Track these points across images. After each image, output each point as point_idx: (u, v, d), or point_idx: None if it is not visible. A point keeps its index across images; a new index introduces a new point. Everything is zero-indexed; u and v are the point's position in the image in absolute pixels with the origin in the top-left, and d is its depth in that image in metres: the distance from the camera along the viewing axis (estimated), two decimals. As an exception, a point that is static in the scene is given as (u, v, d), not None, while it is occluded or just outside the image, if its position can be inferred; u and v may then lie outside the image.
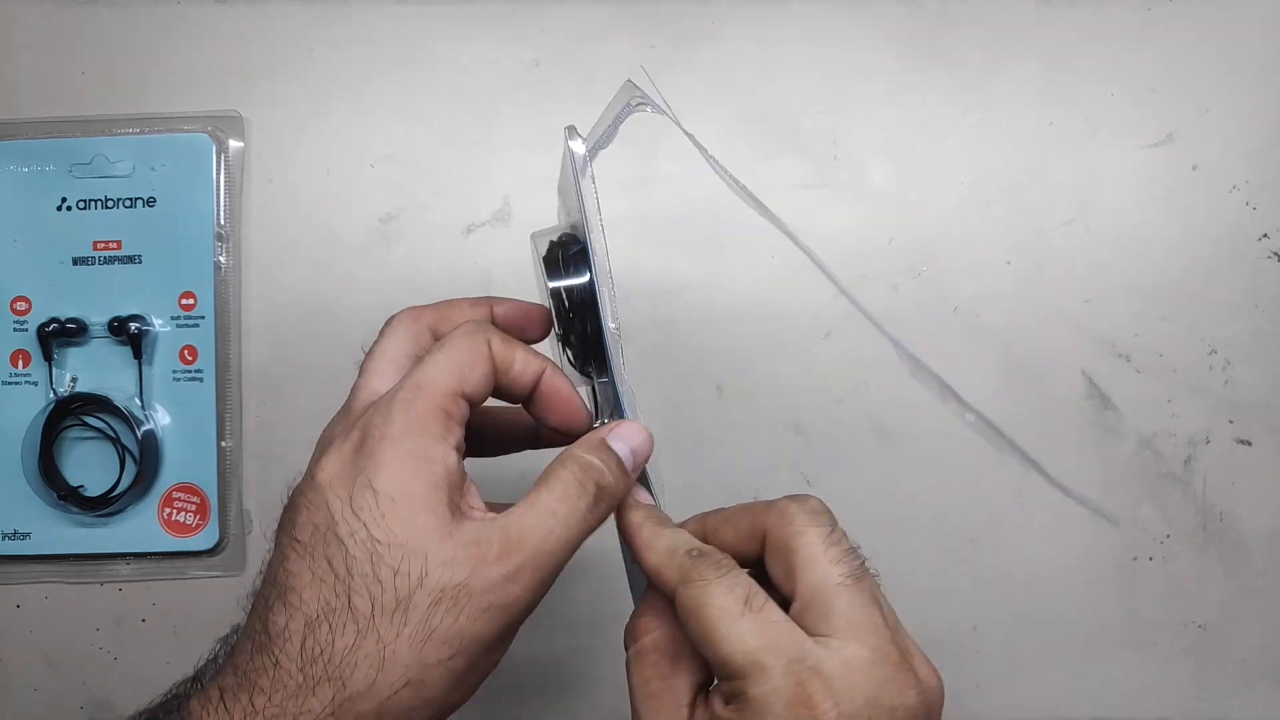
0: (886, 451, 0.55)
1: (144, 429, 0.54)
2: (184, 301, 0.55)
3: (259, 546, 0.55)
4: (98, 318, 0.54)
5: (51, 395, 0.54)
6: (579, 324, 0.37)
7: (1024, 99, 0.56)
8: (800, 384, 0.55)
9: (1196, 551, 0.55)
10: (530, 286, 0.56)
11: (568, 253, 0.37)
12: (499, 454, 0.42)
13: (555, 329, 0.38)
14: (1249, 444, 0.55)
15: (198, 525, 0.55)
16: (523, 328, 0.39)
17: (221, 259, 0.55)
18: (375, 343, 0.37)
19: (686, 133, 0.35)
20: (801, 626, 0.31)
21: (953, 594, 0.55)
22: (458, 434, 0.34)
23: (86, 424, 0.54)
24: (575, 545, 0.33)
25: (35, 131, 0.55)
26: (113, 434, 0.54)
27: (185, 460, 0.55)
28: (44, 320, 0.54)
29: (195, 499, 0.54)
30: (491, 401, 0.37)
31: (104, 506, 0.54)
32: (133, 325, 0.54)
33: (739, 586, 0.32)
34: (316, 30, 0.56)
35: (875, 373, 0.55)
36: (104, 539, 0.55)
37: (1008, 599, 0.55)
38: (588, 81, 0.56)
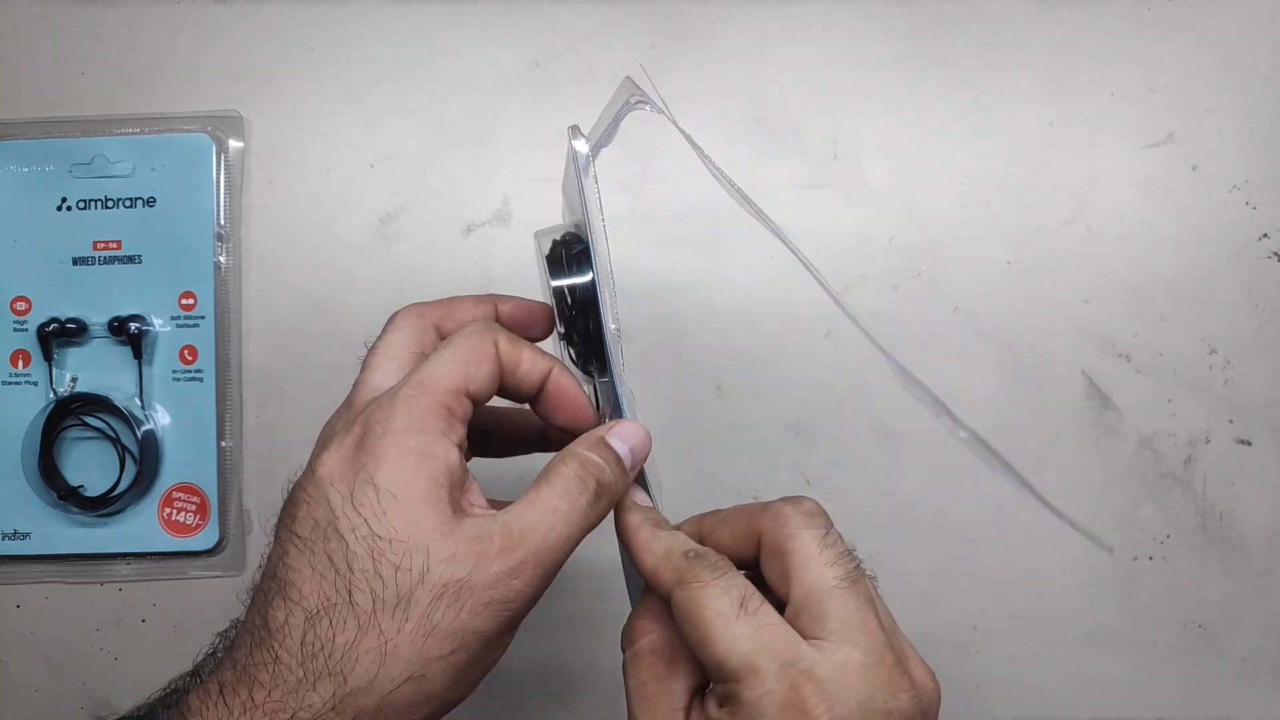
0: (886, 451, 0.55)
1: (144, 429, 0.54)
2: (184, 301, 0.55)
3: (259, 546, 0.55)
4: (98, 318, 0.54)
5: (51, 395, 0.54)
6: (581, 322, 0.37)
7: (1024, 99, 0.56)
8: (800, 384, 0.55)
9: (1196, 551, 0.55)
10: (532, 284, 0.56)
11: (571, 251, 0.37)
12: (505, 455, 0.42)
13: (558, 327, 0.38)
14: (1249, 444, 0.55)
15: (198, 525, 0.55)
16: (527, 325, 0.40)
17: (221, 259, 0.55)
18: (378, 338, 0.37)
19: (683, 133, 0.35)
20: (796, 629, 0.31)
21: (952, 594, 0.55)
22: (460, 431, 0.34)
23: (86, 424, 0.54)
24: (576, 542, 0.34)
25: (35, 131, 0.55)
26: (113, 434, 0.54)
27: (185, 460, 0.55)
28: (44, 320, 0.54)
29: (195, 499, 0.54)
30: (500, 402, 0.37)
31: (104, 506, 0.54)
32: (133, 325, 0.54)
33: (734, 589, 0.32)
34: (316, 30, 0.56)
35: (875, 373, 0.55)
36: (104, 539, 0.55)
37: (1008, 599, 0.55)
38: (588, 81, 0.56)
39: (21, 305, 0.55)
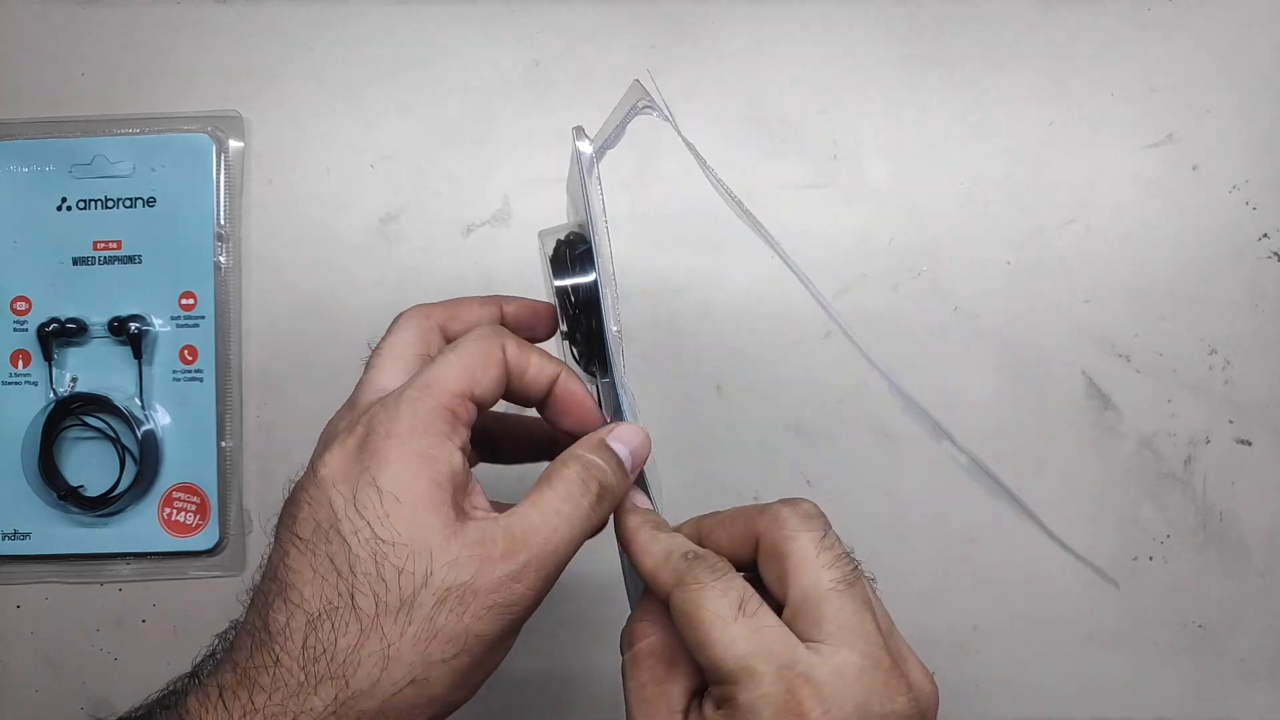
0: (886, 451, 0.55)
1: (144, 429, 0.54)
2: (184, 301, 0.55)
3: (259, 546, 0.55)
4: (98, 318, 0.54)
5: (51, 395, 0.54)
6: (584, 322, 0.37)
7: (1024, 99, 0.56)
8: (800, 384, 0.55)
9: (1196, 551, 0.55)
10: (533, 284, 0.56)
11: (575, 251, 0.37)
12: (514, 462, 0.42)
13: (561, 326, 0.38)
14: (1249, 444, 0.55)
15: (198, 525, 0.55)
16: (532, 326, 0.40)
17: (221, 259, 0.55)
18: (383, 338, 0.37)
19: (686, 141, 0.35)
20: (794, 631, 0.31)
21: (952, 594, 0.55)
22: (464, 435, 0.34)
23: (86, 424, 0.54)
24: (578, 544, 0.33)
25: (35, 131, 0.55)
26: (113, 434, 0.54)
27: (185, 460, 0.55)
28: (44, 320, 0.54)
29: (195, 499, 0.54)
30: (509, 407, 0.37)
31: (104, 506, 0.54)
32: (133, 325, 0.54)
33: (733, 591, 0.32)
34: (316, 30, 0.56)
35: (875, 373, 0.55)
36: (104, 539, 0.55)
37: (1008, 599, 0.55)
38: (588, 81, 0.56)
39: (21, 305, 0.55)
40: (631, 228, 0.55)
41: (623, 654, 0.35)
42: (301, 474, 0.34)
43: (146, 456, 0.54)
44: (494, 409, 0.36)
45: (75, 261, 0.55)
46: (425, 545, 0.31)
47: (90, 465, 0.54)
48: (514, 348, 0.35)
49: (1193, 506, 0.55)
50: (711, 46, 0.56)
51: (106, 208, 0.55)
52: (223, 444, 0.55)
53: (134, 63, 0.56)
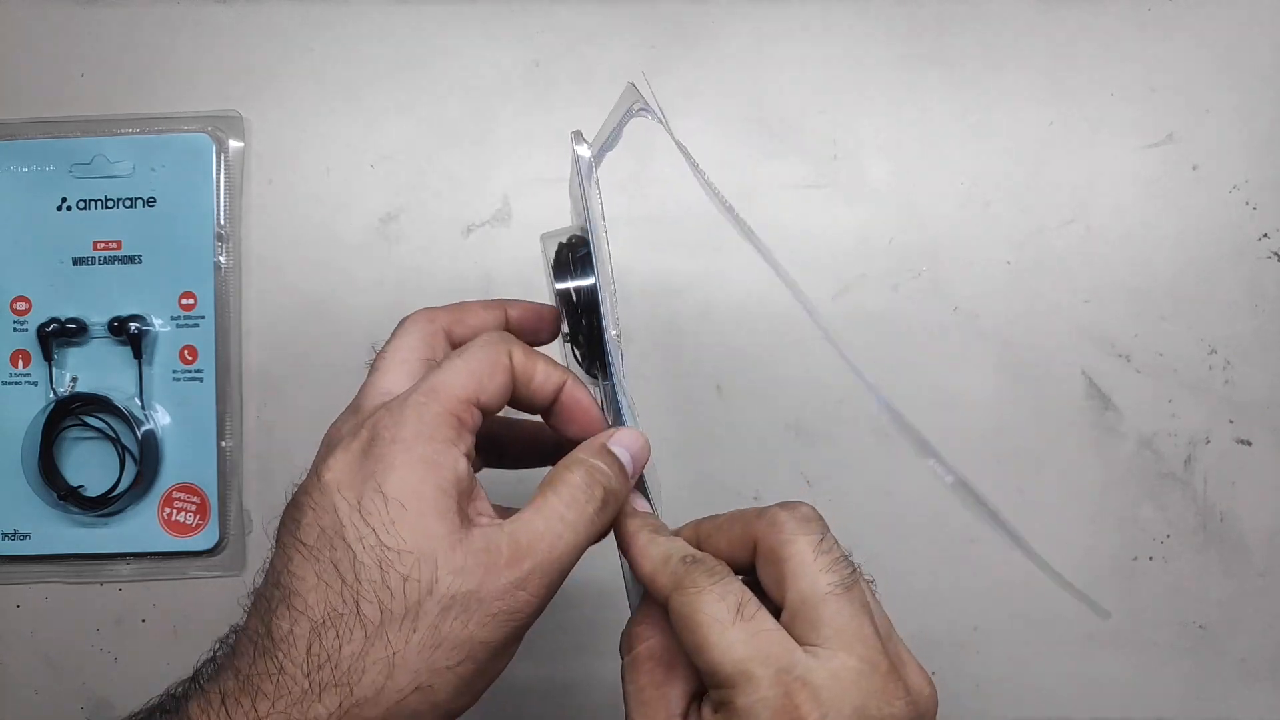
0: (886, 451, 0.55)
1: (144, 429, 0.54)
2: (184, 301, 0.55)
3: (259, 546, 0.55)
4: (98, 318, 0.54)
5: (51, 395, 0.54)
6: (586, 325, 0.37)
7: (1024, 99, 0.56)
8: (800, 384, 0.55)
9: (1196, 551, 0.55)
10: (532, 284, 0.56)
11: (576, 254, 0.37)
12: (519, 467, 0.42)
13: (563, 329, 0.38)
14: (1249, 444, 0.55)
15: (198, 525, 0.55)
16: (536, 329, 0.40)
17: (221, 259, 0.55)
18: (388, 342, 0.37)
19: (678, 143, 0.36)
20: (792, 635, 0.31)
21: (952, 594, 0.55)
22: (469, 441, 0.33)
23: (86, 424, 0.54)
24: (582, 550, 0.33)
25: (35, 131, 0.55)
26: (113, 434, 0.54)
27: (185, 460, 0.55)
28: (44, 320, 0.54)
29: (195, 499, 0.54)
30: (511, 411, 0.37)
31: (104, 506, 0.54)
32: (133, 325, 0.54)
33: (731, 594, 0.31)
34: (316, 30, 0.56)
35: (875, 373, 0.55)
36: (104, 539, 0.55)
37: (1008, 599, 0.55)
38: (588, 82, 0.56)
39: (21, 305, 0.55)
40: (631, 229, 0.55)
41: (622, 657, 0.35)
42: (304, 477, 0.34)
43: (146, 456, 0.54)
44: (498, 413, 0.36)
45: (75, 261, 0.55)
46: (431, 552, 0.31)
47: (90, 465, 0.54)
48: (520, 355, 0.35)
49: (1193, 506, 0.55)
50: (711, 46, 0.56)
51: (106, 208, 0.55)
52: (223, 444, 0.55)
53: (134, 63, 0.56)
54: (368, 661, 0.30)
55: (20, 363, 0.54)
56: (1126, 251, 0.55)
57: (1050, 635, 0.55)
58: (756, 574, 0.34)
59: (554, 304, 0.39)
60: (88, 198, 0.55)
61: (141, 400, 0.54)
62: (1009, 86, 0.56)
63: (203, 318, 0.55)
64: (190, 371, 0.55)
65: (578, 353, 0.38)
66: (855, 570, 0.32)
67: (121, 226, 0.55)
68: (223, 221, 0.55)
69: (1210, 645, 0.55)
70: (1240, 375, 0.55)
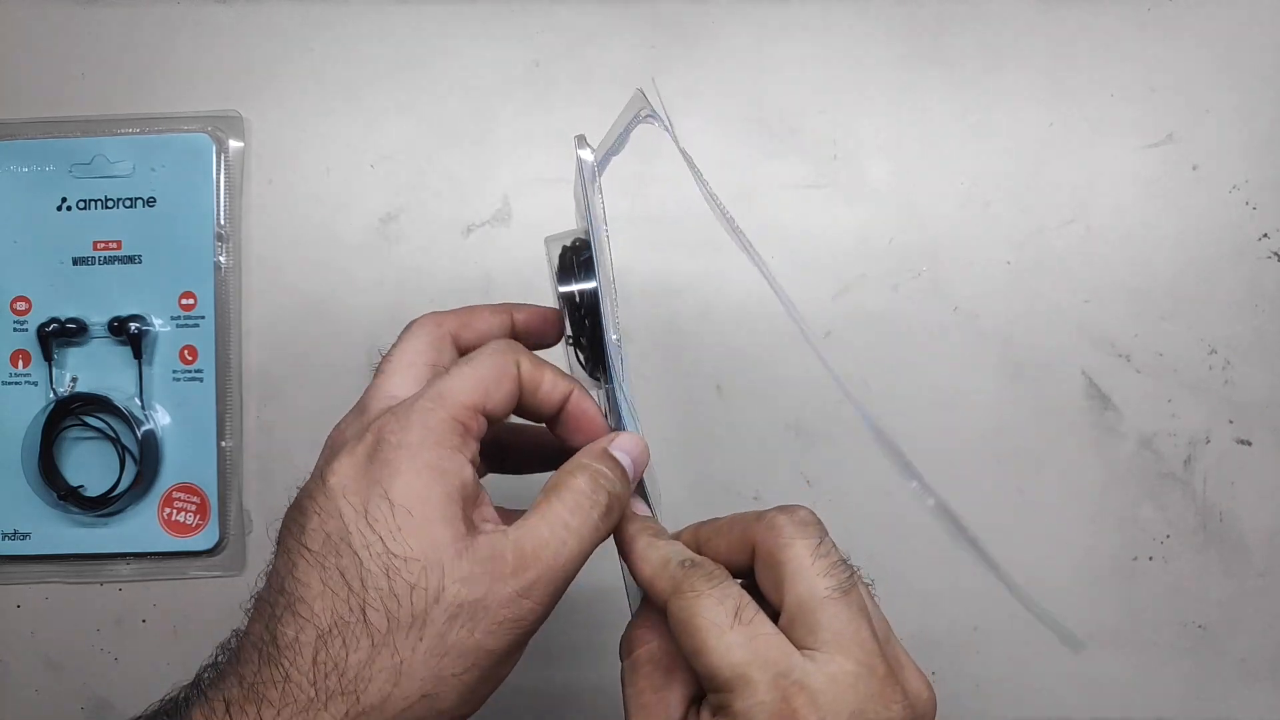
0: (886, 451, 0.55)
1: (144, 429, 0.54)
2: (184, 301, 0.55)
3: (259, 546, 0.55)
4: (98, 318, 0.54)
5: (51, 395, 0.54)
6: (590, 328, 0.37)
7: (1024, 99, 0.56)
8: (800, 384, 0.55)
9: (1196, 551, 0.55)
10: (535, 285, 0.56)
11: (580, 258, 0.38)
12: (523, 472, 0.42)
13: (566, 332, 0.38)
14: (1249, 444, 0.55)
15: (198, 525, 0.55)
16: (541, 332, 0.40)
17: (221, 259, 0.55)
18: (394, 345, 0.37)
19: (683, 151, 0.36)
20: (790, 639, 0.31)
21: (953, 594, 0.55)
22: (474, 448, 0.33)
23: (86, 424, 0.54)
24: (586, 556, 0.33)
25: (35, 131, 0.55)
26: (113, 434, 0.54)
27: (185, 460, 0.55)
28: (44, 320, 0.54)
29: (195, 499, 0.54)
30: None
31: (104, 506, 0.54)
32: (133, 325, 0.54)
33: (729, 598, 0.31)
34: (316, 30, 0.56)
35: (875, 373, 0.55)
36: (104, 539, 0.55)
37: (1008, 599, 0.55)
38: (588, 81, 0.56)
39: (21, 305, 0.55)
40: (632, 229, 0.55)
41: (622, 661, 0.35)
42: (307, 480, 0.33)
43: (146, 456, 0.54)
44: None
45: (75, 261, 0.55)
46: (437, 560, 0.31)
47: (90, 465, 0.54)
48: (528, 364, 0.35)
49: (1193, 506, 0.55)
50: (711, 46, 0.56)
51: (106, 208, 0.55)
52: (223, 444, 0.55)
53: (134, 63, 0.56)
54: (374, 670, 0.30)
55: (20, 363, 0.54)
56: (1126, 251, 0.55)
57: (1050, 635, 0.55)
58: (755, 578, 0.34)
59: (557, 306, 0.39)
60: (88, 198, 0.55)
61: (141, 400, 0.54)
62: (1009, 86, 0.56)
63: (203, 318, 0.55)
64: (190, 371, 0.55)
65: (581, 355, 0.39)
66: (853, 574, 0.32)
67: (121, 226, 0.55)
68: (223, 221, 0.55)
69: (1210, 645, 0.55)
70: (1240, 375, 0.55)
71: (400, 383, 0.35)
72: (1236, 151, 0.56)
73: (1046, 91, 0.56)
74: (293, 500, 0.33)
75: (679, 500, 0.54)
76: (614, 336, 0.36)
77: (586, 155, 0.36)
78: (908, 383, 0.55)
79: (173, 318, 0.55)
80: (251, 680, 0.30)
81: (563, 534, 0.32)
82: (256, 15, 0.56)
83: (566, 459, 0.36)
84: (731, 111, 0.56)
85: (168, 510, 0.54)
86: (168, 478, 0.55)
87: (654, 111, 0.36)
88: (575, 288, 0.37)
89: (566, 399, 0.36)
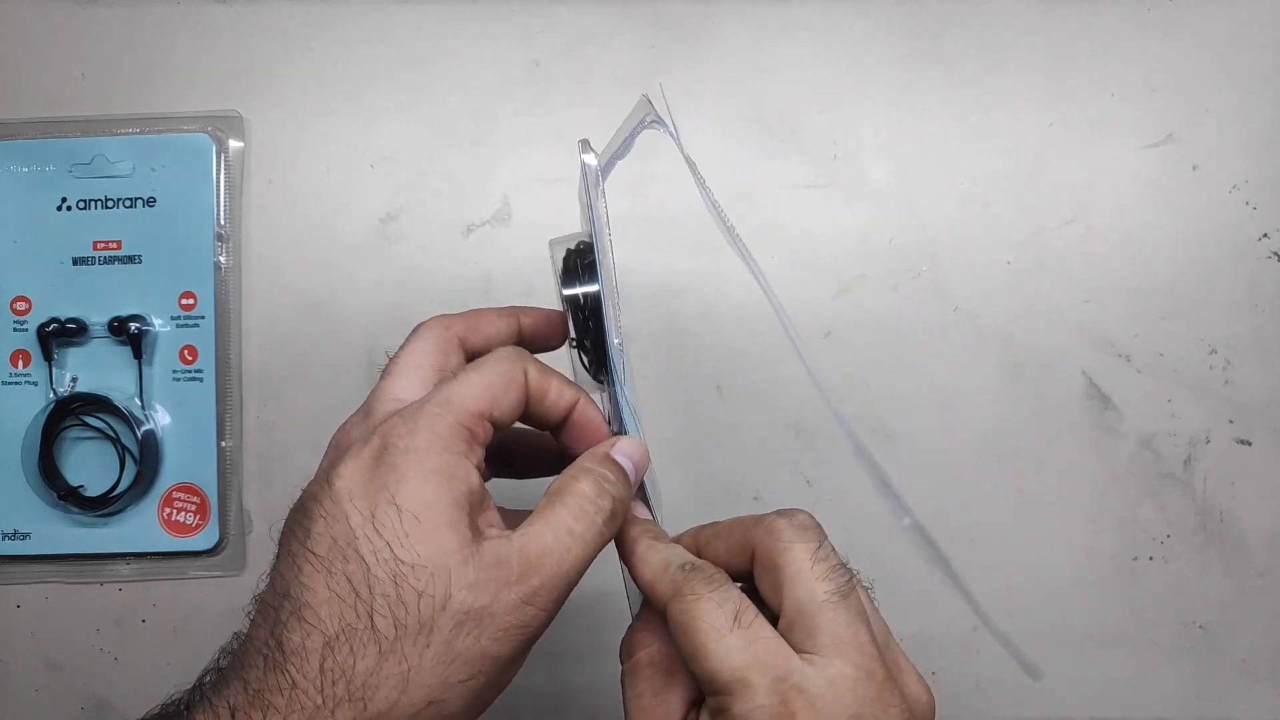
0: (886, 451, 0.55)
1: (144, 429, 0.54)
2: (184, 301, 0.55)
3: (259, 547, 0.55)
4: (98, 318, 0.54)
5: (51, 395, 0.54)
6: (593, 331, 0.37)
7: (1024, 99, 0.56)
8: (800, 384, 0.55)
9: (1196, 551, 0.55)
10: (535, 285, 0.56)
11: (584, 261, 0.38)
12: (528, 476, 0.42)
13: (570, 335, 0.38)
14: (1249, 444, 0.55)
15: (198, 525, 0.55)
16: (546, 335, 0.40)
17: (221, 259, 0.55)
18: (401, 347, 0.37)
19: (687, 157, 0.36)
20: (789, 643, 0.31)
21: (953, 594, 0.55)
22: (479, 455, 0.33)
23: (86, 424, 0.54)
24: (590, 562, 0.33)
25: (35, 131, 0.55)
26: (113, 434, 0.54)
27: (185, 460, 0.55)
28: (44, 320, 0.54)
29: (195, 499, 0.54)
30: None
31: (104, 506, 0.54)
32: (133, 325, 0.54)
33: (729, 602, 0.31)
34: (316, 30, 0.56)
35: (875, 373, 0.55)
36: (104, 539, 0.55)
37: (1008, 599, 0.55)
38: (588, 81, 0.56)
39: (21, 305, 0.55)
40: (632, 229, 0.55)
41: (622, 664, 0.35)
42: (310, 481, 0.33)
43: (146, 456, 0.54)
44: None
45: (75, 261, 0.55)
46: (444, 567, 0.31)
47: (90, 465, 0.54)
48: (535, 372, 0.35)
49: (1193, 506, 0.55)
50: (711, 46, 0.56)
51: (106, 208, 0.55)
52: (223, 444, 0.55)
53: (134, 63, 0.56)
54: (381, 677, 0.30)
55: (20, 363, 0.54)
56: (1126, 251, 0.55)
57: (1050, 635, 0.55)
58: (755, 581, 0.34)
59: (561, 308, 0.39)
60: (88, 198, 0.55)
61: (141, 400, 0.54)
62: (1009, 86, 0.56)
63: (203, 318, 0.55)
64: (190, 371, 0.55)
65: (584, 358, 0.39)
66: (852, 578, 0.32)
67: (121, 226, 0.55)
68: (223, 221, 0.55)
69: (1210, 645, 0.55)
70: (1240, 375, 0.55)
71: (406, 384, 0.35)
72: (1236, 151, 0.56)
73: (1046, 91, 0.56)
74: (296, 502, 0.33)
75: (679, 500, 0.54)
76: (616, 340, 0.36)
77: (590, 160, 0.36)
78: (908, 383, 0.55)
79: (173, 318, 0.55)
80: (257, 686, 0.30)
81: (566, 540, 0.32)
82: (256, 15, 0.56)
83: (568, 462, 0.36)
84: (731, 111, 0.56)
85: (168, 510, 0.54)
86: (168, 478, 0.55)
87: (659, 117, 0.37)
88: (579, 291, 0.37)
89: (572, 407, 0.36)
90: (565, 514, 0.33)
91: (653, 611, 0.34)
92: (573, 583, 0.33)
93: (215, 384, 0.55)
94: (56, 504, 0.53)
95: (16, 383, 0.54)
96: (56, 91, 0.56)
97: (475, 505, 0.32)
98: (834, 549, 0.33)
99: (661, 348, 0.55)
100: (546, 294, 0.41)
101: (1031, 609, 0.55)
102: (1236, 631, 0.55)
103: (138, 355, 0.54)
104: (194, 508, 0.54)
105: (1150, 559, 0.55)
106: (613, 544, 0.36)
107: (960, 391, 0.55)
